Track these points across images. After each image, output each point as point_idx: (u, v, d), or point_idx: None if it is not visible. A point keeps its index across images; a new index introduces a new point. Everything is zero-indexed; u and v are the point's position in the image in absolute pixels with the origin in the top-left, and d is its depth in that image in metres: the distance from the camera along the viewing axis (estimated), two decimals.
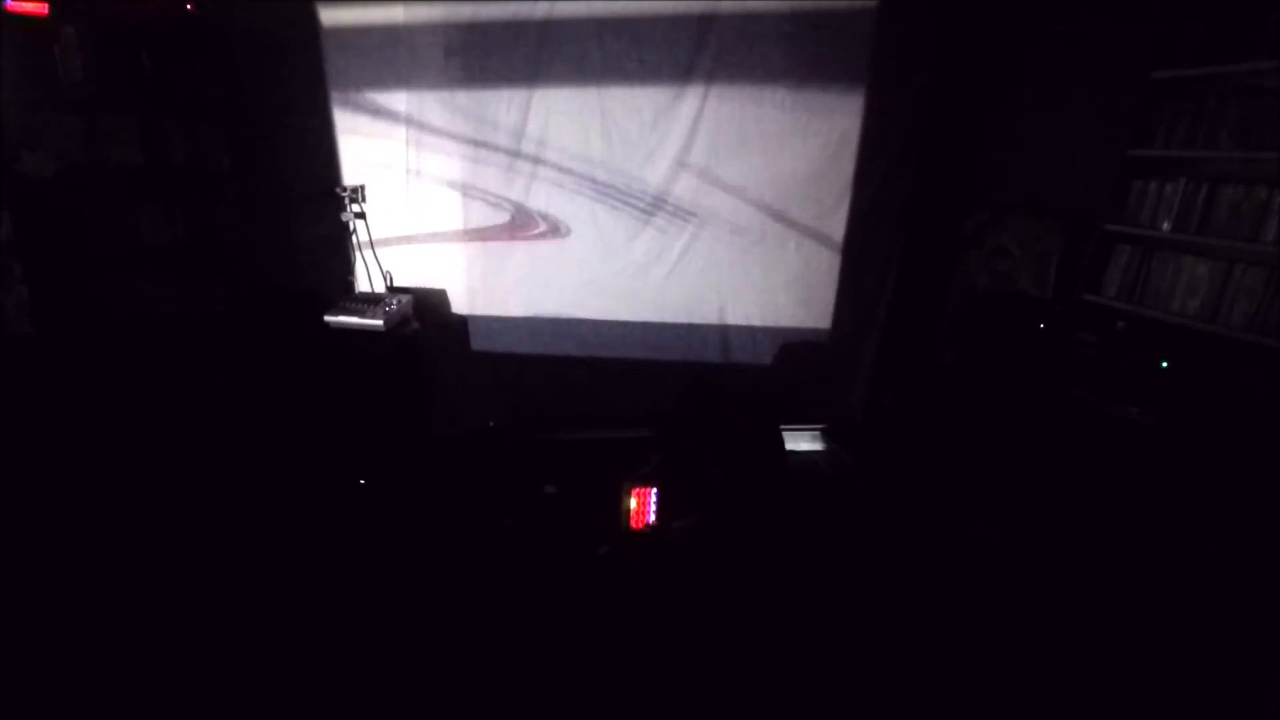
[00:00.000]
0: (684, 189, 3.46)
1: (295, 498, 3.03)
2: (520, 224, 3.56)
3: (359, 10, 3.25)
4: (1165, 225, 2.66)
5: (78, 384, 3.25)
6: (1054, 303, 3.09)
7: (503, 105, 3.36)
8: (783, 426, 3.26)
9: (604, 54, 3.26)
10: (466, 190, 3.50)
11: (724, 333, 3.77)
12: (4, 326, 3.13)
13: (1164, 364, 2.66)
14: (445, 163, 3.46)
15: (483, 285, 3.69)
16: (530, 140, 3.41)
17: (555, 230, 3.58)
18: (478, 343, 3.77)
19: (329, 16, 3.27)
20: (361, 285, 3.60)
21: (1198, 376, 2.58)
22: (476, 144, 3.43)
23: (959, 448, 3.20)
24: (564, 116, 3.37)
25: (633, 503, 2.73)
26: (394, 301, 3.31)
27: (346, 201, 3.38)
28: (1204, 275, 2.56)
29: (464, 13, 3.23)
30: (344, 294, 3.45)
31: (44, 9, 2.97)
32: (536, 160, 3.44)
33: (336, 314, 3.23)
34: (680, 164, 3.42)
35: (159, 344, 3.30)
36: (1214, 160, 2.55)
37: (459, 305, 3.73)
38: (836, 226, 3.51)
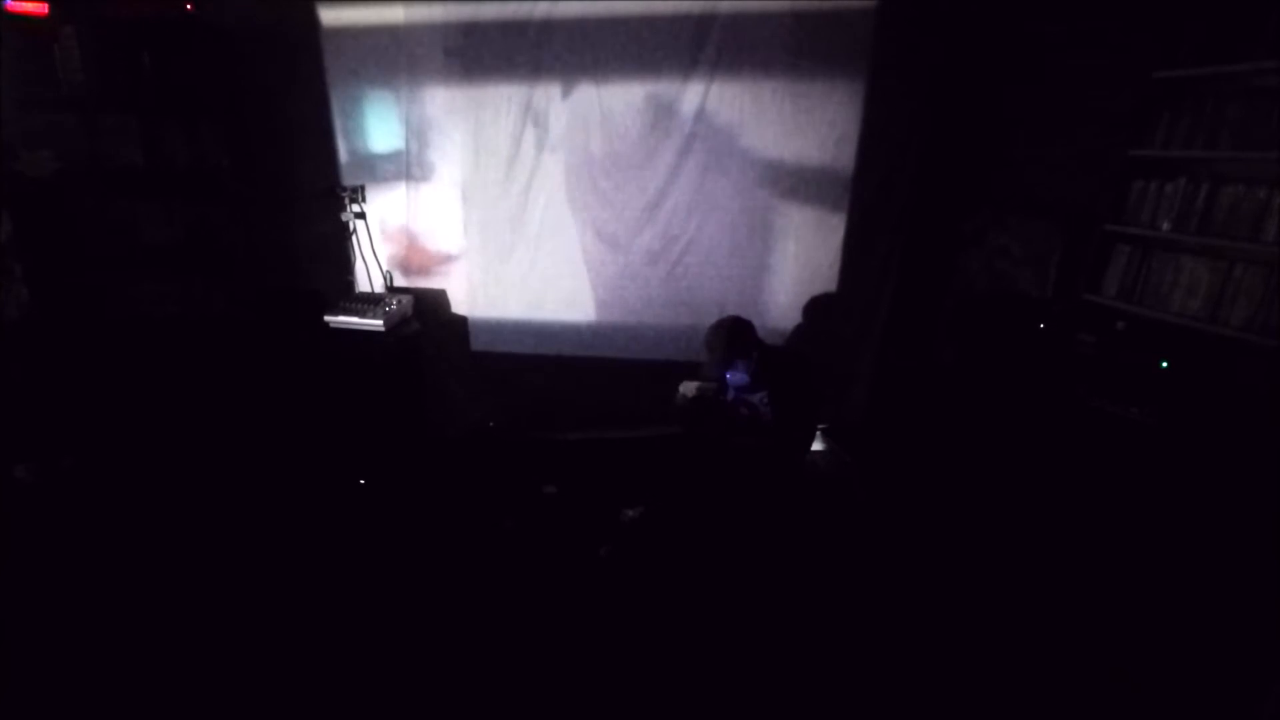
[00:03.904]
0: (684, 189, 3.45)
1: (295, 498, 3.03)
2: (521, 223, 3.57)
3: (359, 10, 3.25)
4: (1165, 225, 2.66)
5: (78, 383, 3.25)
6: (1054, 303, 3.09)
7: (502, 104, 3.36)
8: None
9: (604, 54, 3.26)
10: (467, 189, 3.51)
11: None
12: (3, 326, 3.13)
13: (1164, 364, 2.66)
14: (445, 163, 3.47)
15: (483, 285, 3.70)
16: (530, 139, 3.41)
17: (556, 230, 3.58)
18: (478, 343, 3.78)
19: (329, 16, 3.27)
20: (361, 285, 3.60)
21: (1198, 376, 2.57)
22: (477, 143, 3.43)
23: (959, 448, 3.20)
24: (564, 117, 3.37)
25: None
26: (394, 301, 3.31)
27: (346, 201, 3.38)
28: (1204, 275, 2.56)
29: (464, 13, 3.23)
30: (344, 294, 3.45)
31: (44, 9, 2.97)
32: (537, 160, 3.44)
33: (336, 314, 3.23)
34: (680, 164, 3.41)
35: (159, 343, 3.31)
36: (1214, 160, 2.55)
37: (459, 305, 3.74)
38: (836, 226, 3.51)
